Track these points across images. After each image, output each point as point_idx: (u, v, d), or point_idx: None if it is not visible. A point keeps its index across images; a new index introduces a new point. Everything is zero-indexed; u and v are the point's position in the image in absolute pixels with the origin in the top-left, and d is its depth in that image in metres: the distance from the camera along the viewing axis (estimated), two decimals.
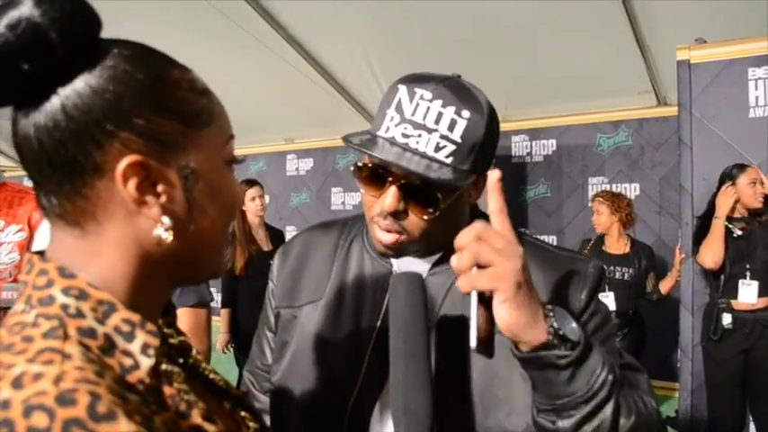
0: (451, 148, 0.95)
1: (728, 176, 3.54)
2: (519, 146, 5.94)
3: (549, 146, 5.82)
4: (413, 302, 0.91)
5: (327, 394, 1.08)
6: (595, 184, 5.54)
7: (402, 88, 0.98)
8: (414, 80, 0.99)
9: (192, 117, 0.64)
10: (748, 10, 3.81)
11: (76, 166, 0.59)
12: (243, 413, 0.78)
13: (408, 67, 1.03)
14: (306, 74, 5.48)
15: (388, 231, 1.00)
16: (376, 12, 4.55)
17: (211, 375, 0.78)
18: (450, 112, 0.95)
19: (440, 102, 0.95)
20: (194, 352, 0.79)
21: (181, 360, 0.76)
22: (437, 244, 1.06)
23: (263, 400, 1.24)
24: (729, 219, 3.53)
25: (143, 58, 0.62)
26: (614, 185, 5.38)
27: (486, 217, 1.15)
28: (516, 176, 5.90)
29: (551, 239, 5.57)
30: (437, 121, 0.94)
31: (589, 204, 4.77)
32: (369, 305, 1.09)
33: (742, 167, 3.52)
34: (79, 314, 0.59)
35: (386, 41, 4.83)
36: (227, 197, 0.70)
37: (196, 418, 0.61)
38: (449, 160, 0.95)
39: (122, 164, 0.59)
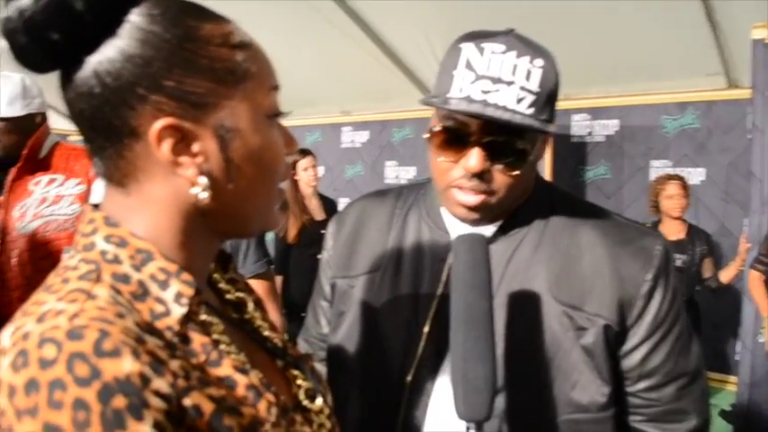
0: (531, 98, 0.92)
1: None
2: (579, 125, 5.78)
3: (611, 126, 5.65)
4: (475, 265, 0.88)
5: (387, 365, 1.07)
6: (658, 168, 5.35)
7: (467, 46, 0.95)
8: (477, 37, 0.96)
9: (226, 74, 0.63)
10: None
11: (114, 130, 0.61)
12: (295, 372, 0.79)
13: None
14: (364, 47, 5.44)
15: (475, 193, 0.97)
16: None
17: (266, 333, 0.79)
18: (524, 62, 0.93)
19: (513, 53, 0.93)
20: (251, 308, 0.80)
21: (236, 315, 0.78)
22: (510, 206, 1.04)
23: (319, 370, 1.24)
24: None
25: (172, 17, 0.61)
26: (678, 169, 5.18)
27: (546, 184, 1.14)
28: (575, 156, 5.76)
29: None
30: (513, 73, 0.92)
31: (650, 186, 4.59)
32: (428, 274, 1.07)
33: None
34: (116, 260, 0.62)
35: (445, 16, 4.74)
36: (267, 154, 0.68)
37: (226, 368, 0.63)
38: (530, 111, 0.92)
39: (155, 127, 0.60)
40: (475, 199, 0.98)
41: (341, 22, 5.10)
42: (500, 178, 0.97)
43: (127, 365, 0.52)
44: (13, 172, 2.26)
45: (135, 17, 0.60)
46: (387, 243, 1.14)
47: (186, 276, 0.63)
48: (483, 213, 1.00)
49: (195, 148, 0.63)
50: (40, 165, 2.32)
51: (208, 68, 0.62)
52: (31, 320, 0.55)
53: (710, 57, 4.70)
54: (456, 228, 1.08)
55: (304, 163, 4.09)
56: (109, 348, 0.52)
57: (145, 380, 0.53)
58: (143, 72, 0.59)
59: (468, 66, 0.94)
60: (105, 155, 0.63)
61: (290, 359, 0.79)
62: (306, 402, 0.77)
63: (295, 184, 4.06)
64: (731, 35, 4.40)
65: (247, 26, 0.68)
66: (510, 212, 1.06)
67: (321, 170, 7.21)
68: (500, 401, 0.99)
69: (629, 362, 1.03)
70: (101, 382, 0.50)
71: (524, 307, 1.01)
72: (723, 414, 4.28)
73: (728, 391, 4.88)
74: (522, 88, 0.92)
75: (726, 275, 3.90)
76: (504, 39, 0.94)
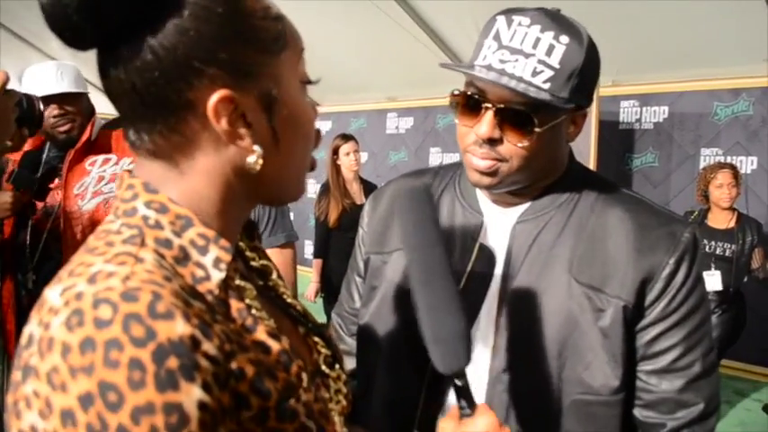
0: (549, 73, 0.94)
1: None
2: (628, 111, 5.67)
3: (660, 113, 5.53)
4: (420, 221, 0.86)
5: (413, 339, 1.09)
6: (708, 156, 5.21)
7: (500, 18, 0.98)
8: (512, 10, 0.99)
9: (270, 43, 0.66)
10: None
11: (168, 104, 0.62)
12: (316, 339, 0.81)
13: None
14: (411, 32, 5.44)
15: (485, 158, 1.00)
16: None
17: (289, 300, 0.82)
18: (548, 37, 0.94)
19: (538, 27, 0.95)
20: (275, 276, 0.82)
21: (261, 282, 0.80)
22: (532, 179, 1.05)
23: (349, 343, 1.28)
24: None
25: None
26: (729, 158, 5.04)
27: (581, 167, 1.15)
28: (623, 144, 5.66)
29: None
30: (534, 46, 0.94)
31: (699, 174, 4.47)
32: (458, 252, 1.10)
33: None
34: (158, 225, 0.63)
35: (493, 1, 4.70)
36: (303, 118, 0.71)
37: (261, 333, 0.64)
38: (546, 86, 0.94)
39: (213, 99, 0.61)
40: (485, 163, 1.00)
41: (388, 7, 5.11)
42: (510, 147, 0.98)
43: (179, 327, 0.53)
44: (71, 154, 2.36)
45: None
46: None
47: (224, 242, 0.65)
48: (495, 179, 1.01)
49: (248, 117, 0.64)
50: (94, 146, 2.42)
51: (255, 39, 0.64)
52: (81, 281, 0.56)
53: (767, 41, 4.55)
54: (488, 208, 1.10)
55: (346, 148, 4.13)
56: (162, 310, 0.53)
57: (195, 342, 0.54)
58: (198, 45, 0.61)
59: (496, 36, 0.97)
60: (154, 129, 0.64)
61: (312, 326, 0.82)
62: (325, 368, 0.79)
63: (337, 168, 4.11)
64: None
65: (295, 13, 0.72)
66: (539, 192, 1.08)
67: (365, 156, 7.25)
68: (510, 379, 1.02)
69: (638, 342, 1.02)
70: (155, 343, 0.52)
71: (543, 287, 1.03)
72: (765, 408, 4.18)
73: None
74: (541, 62, 0.94)
75: None
76: (533, 13, 0.96)
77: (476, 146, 1.00)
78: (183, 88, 0.61)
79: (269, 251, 2.09)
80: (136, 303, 0.53)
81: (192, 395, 0.52)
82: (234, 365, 0.58)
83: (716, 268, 3.81)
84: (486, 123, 0.97)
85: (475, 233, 1.10)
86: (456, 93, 1.02)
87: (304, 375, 0.67)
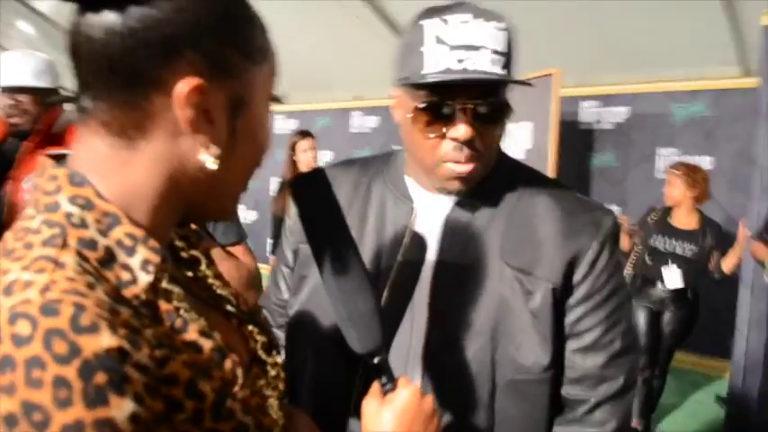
0: (503, 60, 0.96)
1: None
2: (587, 112, 5.75)
3: (620, 113, 5.61)
4: (317, 203, 0.88)
5: None
6: (666, 156, 5.31)
7: (430, 23, 0.98)
8: (437, 12, 0.98)
9: (253, 51, 0.66)
10: None
11: (139, 77, 0.59)
12: (250, 328, 0.79)
13: None
14: (376, 31, 5.45)
15: (468, 162, 1.00)
16: None
17: (219, 291, 0.79)
18: (489, 27, 0.96)
19: (480, 20, 0.96)
20: (204, 266, 0.80)
21: (190, 274, 0.78)
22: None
23: (278, 335, 1.26)
24: None
25: None
26: (686, 157, 5.12)
27: (509, 158, 1.17)
28: (582, 143, 5.73)
29: (614, 210, 5.39)
30: (482, 39, 0.95)
31: (660, 176, 4.52)
32: (389, 241, 1.10)
33: None
34: (82, 224, 0.59)
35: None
36: (262, 134, 0.70)
37: (192, 333, 0.62)
38: (504, 72, 0.96)
39: (184, 85, 0.59)
40: (467, 167, 1.00)
41: (354, 5, 5.11)
42: (486, 141, 1.00)
43: (105, 340, 0.51)
44: (24, 145, 2.30)
45: None
46: (350, 210, 1.15)
47: (153, 243, 0.62)
48: (472, 182, 1.04)
49: (212, 114, 0.62)
50: (52, 139, 2.35)
51: (240, 41, 0.64)
52: None
53: (726, 45, 4.64)
54: (419, 195, 1.11)
55: (304, 144, 4.12)
56: (86, 323, 0.50)
57: (124, 354, 0.52)
58: (187, 26, 0.59)
59: (439, 40, 0.96)
60: (113, 100, 0.61)
61: (245, 315, 0.80)
62: (263, 355, 0.78)
63: (294, 165, 4.09)
64: (748, 23, 4.32)
65: (261, 11, 0.70)
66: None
67: (329, 155, 7.25)
68: (445, 361, 1.04)
69: (566, 321, 1.06)
70: (81, 360, 0.49)
71: (476, 272, 1.05)
72: (718, 400, 4.27)
73: (726, 379, 4.90)
74: (494, 51, 0.95)
75: (727, 265, 3.80)
76: (466, 8, 0.97)
77: (456, 152, 0.99)
78: (157, 65, 0.59)
79: (216, 251, 2.05)
80: (57, 318, 0.50)
81: (123, 409, 0.50)
82: (166, 371, 0.56)
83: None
84: (463, 126, 0.96)
85: (406, 220, 1.10)
86: (421, 106, 0.98)
87: (239, 371, 0.65)
